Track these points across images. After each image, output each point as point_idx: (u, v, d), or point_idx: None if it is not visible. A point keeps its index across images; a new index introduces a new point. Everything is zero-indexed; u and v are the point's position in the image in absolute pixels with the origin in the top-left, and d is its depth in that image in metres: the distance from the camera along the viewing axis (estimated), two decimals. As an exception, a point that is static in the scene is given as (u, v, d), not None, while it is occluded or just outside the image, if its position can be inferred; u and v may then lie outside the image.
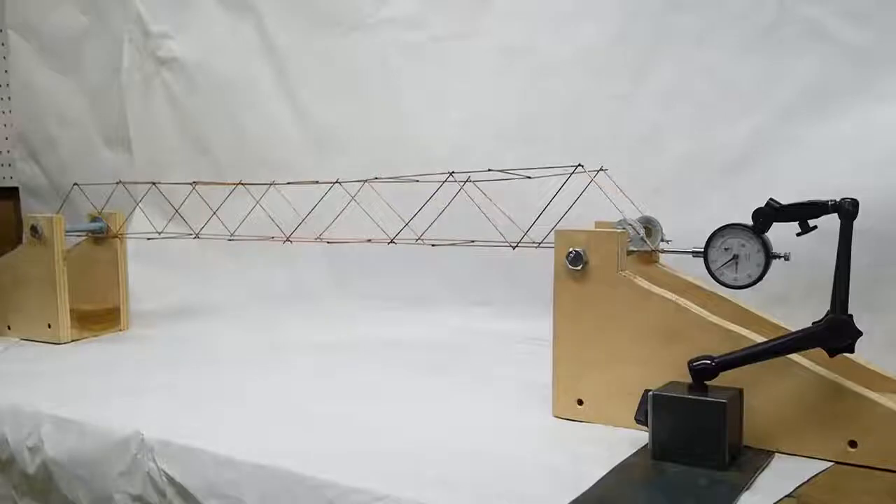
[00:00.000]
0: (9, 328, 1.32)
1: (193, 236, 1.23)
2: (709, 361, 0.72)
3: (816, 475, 0.69)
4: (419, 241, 1.01)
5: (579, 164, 0.88)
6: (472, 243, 0.97)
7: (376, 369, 1.08)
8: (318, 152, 1.47)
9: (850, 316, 0.69)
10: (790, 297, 0.99)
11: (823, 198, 0.71)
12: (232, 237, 1.20)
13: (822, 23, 1.06)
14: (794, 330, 0.72)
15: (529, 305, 1.16)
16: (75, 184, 1.35)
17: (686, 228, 0.86)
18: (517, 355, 1.13)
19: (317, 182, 1.11)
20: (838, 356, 0.71)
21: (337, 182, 1.09)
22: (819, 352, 0.71)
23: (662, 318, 0.78)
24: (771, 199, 0.74)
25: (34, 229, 1.26)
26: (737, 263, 0.77)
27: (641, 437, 0.75)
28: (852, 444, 0.70)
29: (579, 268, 0.81)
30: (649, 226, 0.89)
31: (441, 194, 0.99)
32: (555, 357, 0.84)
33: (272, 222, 1.17)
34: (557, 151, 1.12)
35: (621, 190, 0.89)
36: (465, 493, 0.66)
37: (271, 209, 1.17)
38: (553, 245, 0.83)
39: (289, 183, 1.15)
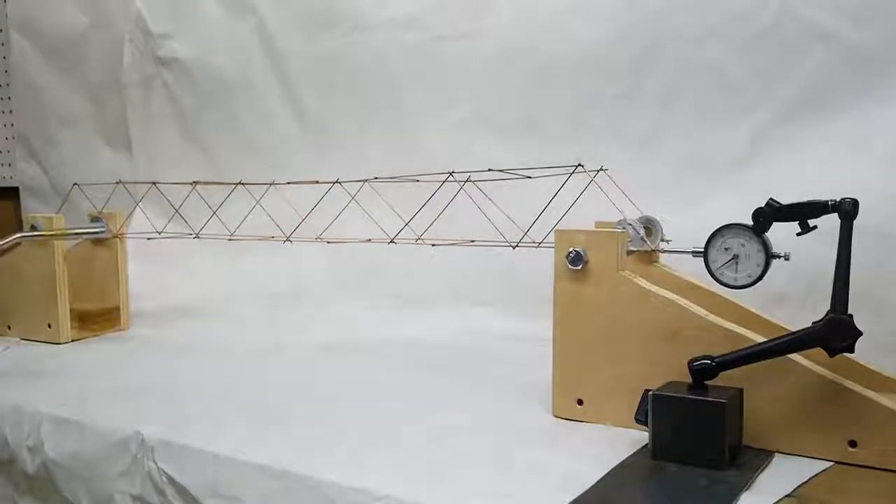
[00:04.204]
0: (9, 328, 1.32)
1: (193, 236, 1.23)
2: (709, 361, 0.72)
3: (816, 475, 0.69)
4: (419, 241, 1.01)
5: (579, 164, 0.88)
6: (472, 243, 0.97)
7: (376, 369, 1.08)
8: (318, 152, 1.47)
9: (850, 316, 0.69)
10: (790, 297, 0.99)
11: (823, 198, 0.71)
12: (232, 237, 1.20)
13: (822, 23, 1.06)
14: (794, 330, 0.72)
15: (529, 305, 1.16)
16: (75, 184, 1.35)
17: (686, 228, 0.86)
18: (517, 355, 1.12)
19: (317, 182, 1.11)
20: (838, 356, 0.71)
21: (337, 182, 1.09)
22: (819, 352, 0.71)
23: (662, 318, 0.78)
24: (771, 199, 0.74)
25: (34, 229, 1.26)
26: (737, 263, 0.77)
27: (641, 437, 0.75)
28: (852, 444, 0.70)
29: (579, 268, 0.81)
30: (649, 226, 0.89)
31: (441, 194, 0.99)
32: (555, 357, 0.84)
33: (272, 222, 1.17)
34: (558, 151, 1.12)
35: (621, 190, 0.89)
36: (466, 493, 0.66)
37: (271, 209, 1.17)
38: (553, 245, 0.83)
39: (289, 183, 1.15)
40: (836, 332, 0.69)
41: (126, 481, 0.82)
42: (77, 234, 1.31)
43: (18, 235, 1.24)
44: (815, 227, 0.72)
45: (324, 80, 1.47)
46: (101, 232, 1.32)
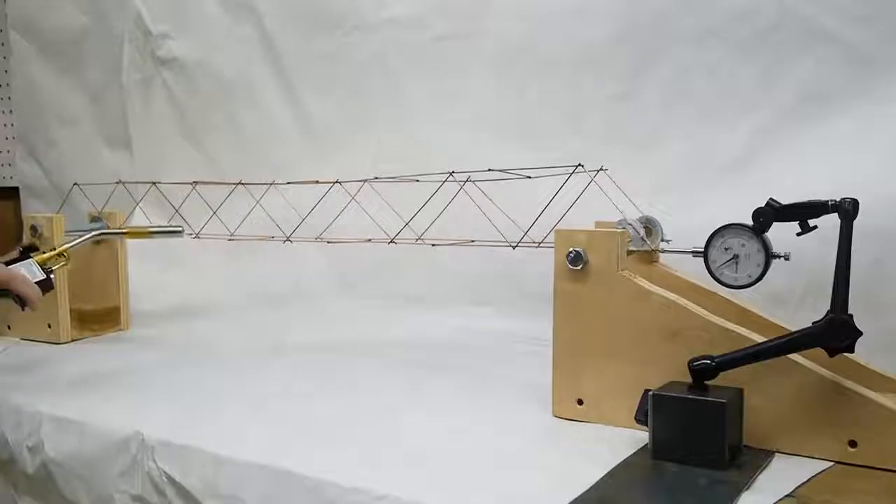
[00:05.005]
0: (9, 328, 1.32)
1: (194, 236, 1.23)
2: (709, 361, 0.72)
3: (816, 475, 0.69)
4: (419, 241, 1.01)
5: (579, 164, 0.88)
6: (472, 243, 0.97)
7: (376, 369, 1.08)
8: (318, 152, 1.47)
9: (850, 316, 0.69)
10: (790, 297, 0.99)
11: (823, 198, 0.71)
12: (232, 237, 1.20)
13: (822, 23, 1.06)
14: (794, 330, 0.72)
15: (529, 305, 1.16)
16: (75, 183, 1.35)
17: (686, 228, 0.86)
18: (517, 355, 1.12)
19: (317, 182, 1.11)
20: (838, 356, 0.71)
21: (337, 182, 1.09)
22: (819, 352, 0.71)
23: (662, 317, 0.78)
24: (771, 199, 0.74)
25: (34, 229, 1.26)
26: (737, 263, 0.77)
27: (641, 437, 0.75)
28: (852, 444, 0.70)
29: (579, 268, 0.81)
30: (649, 226, 0.89)
31: (441, 194, 0.99)
32: (555, 357, 0.84)
33: (272, 222, 1.17)
34: (558, 151, 1.12)
35: (621, 190, 0.89)
36: (466, 493, 0.66)
37: (271, 209, 1.17)
38: (553, 245, 0.83)
39: (289, 183, 1.15)
40: (836, 332, 0.69)
41: (126, 481, 0.82)
42: (152, 232, 1.27)
43: (96, 232, 1.23)
44: (815, 227, 0.72)
45: (324, 80, 1.47)
46: (179, 232, 1.25)
